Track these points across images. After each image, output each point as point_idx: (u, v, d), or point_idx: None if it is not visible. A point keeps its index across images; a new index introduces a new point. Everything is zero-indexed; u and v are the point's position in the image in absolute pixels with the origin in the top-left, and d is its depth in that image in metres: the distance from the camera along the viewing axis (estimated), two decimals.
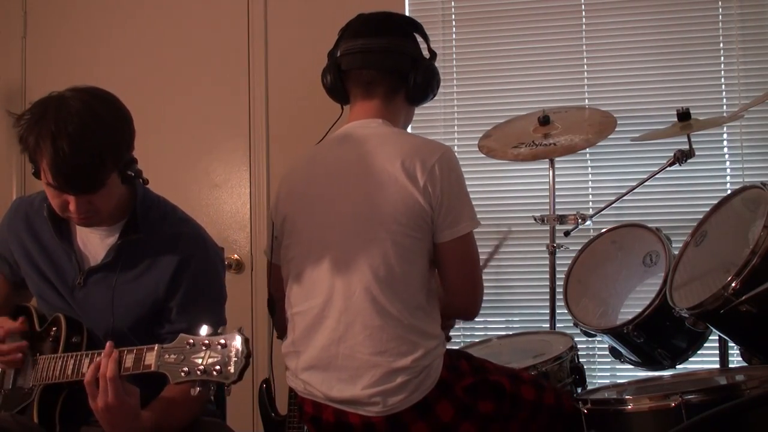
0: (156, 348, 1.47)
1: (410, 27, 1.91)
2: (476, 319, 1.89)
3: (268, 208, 2.82)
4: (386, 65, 1.82)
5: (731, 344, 2.25)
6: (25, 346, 1.69)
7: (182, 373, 1.42)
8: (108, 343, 1.52)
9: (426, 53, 1.91)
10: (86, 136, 1.53)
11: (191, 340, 1.44)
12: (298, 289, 1.77)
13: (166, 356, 1.45)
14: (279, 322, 1.91)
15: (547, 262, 2.59)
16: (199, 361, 1.42)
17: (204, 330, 1.45)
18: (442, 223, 1.71)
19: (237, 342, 1.41)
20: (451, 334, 1.98)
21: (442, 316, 1.78)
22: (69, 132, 1.51)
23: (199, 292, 1.73)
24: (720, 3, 2.83)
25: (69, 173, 1.53)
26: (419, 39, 1.91)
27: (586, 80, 2.89)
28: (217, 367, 1.40)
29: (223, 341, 1.42)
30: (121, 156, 1.61)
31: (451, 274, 1.77)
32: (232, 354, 1.40)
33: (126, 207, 1.73)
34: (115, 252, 1.71)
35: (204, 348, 1.42)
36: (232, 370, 1.40)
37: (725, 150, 2.82)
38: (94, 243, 1.75)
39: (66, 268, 1.75)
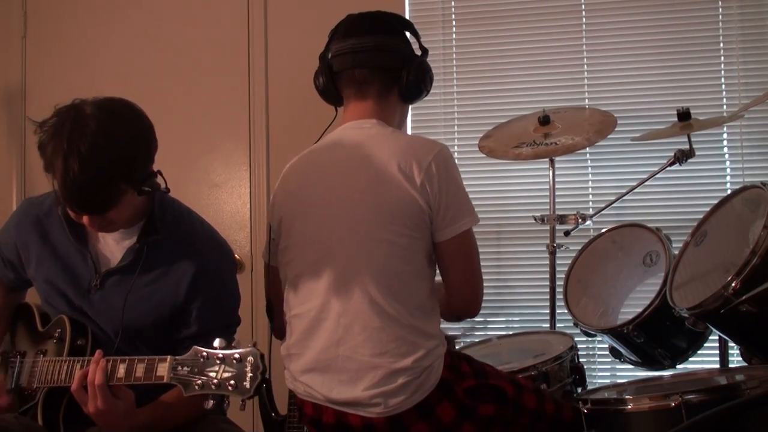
0: (168, 359, 1.47)
1: (400, 25, 1.88)
2: (476, 319, 1.90)
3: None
4: (378, 63, 1.80)
5: (731, 344, 2.25)
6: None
7: (196, 386, 1.42)
8: (97, 351, 1.52)
9: (418, 51, 1.89)
10: (98, 158, 1.49)
11: (205, 353, 1.44)
12: (295, 292, 1.76)
13: (179, 368, 1.45)
14: (277, 325, 1.90)
15: (547, 262, 2.60)
16: (213, 374, 1.42)
17: (217, 342, 1.44)
18: (441, 221, 1.70)
19: (252, 357, 1.41)
20: (452, 334, 1.97)
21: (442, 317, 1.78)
22: (80, 152, 1.48)
23: (218, 295, 1.73)
24: (720, 3, 2.83)
25: (78, 195, 1.51)
26: (411, 37, 1.89)
27: (586, 80, 2.89)
28: (232, 382, 1.40)
29: (238, 356, 1.41)
30: (136, 175, 1.57)
31: (453, 271, 1.77)
32: (248, 369, 1.40)
33: (143, 210, 1.71)
34: (134, 254, 1.69)
35: (218, 362, 1.42)
36: (248, 386, 1.40)
37: (725, 150, 2.82)
38: (111, 245, 1.73)
39: (81, 270, 1.72)
